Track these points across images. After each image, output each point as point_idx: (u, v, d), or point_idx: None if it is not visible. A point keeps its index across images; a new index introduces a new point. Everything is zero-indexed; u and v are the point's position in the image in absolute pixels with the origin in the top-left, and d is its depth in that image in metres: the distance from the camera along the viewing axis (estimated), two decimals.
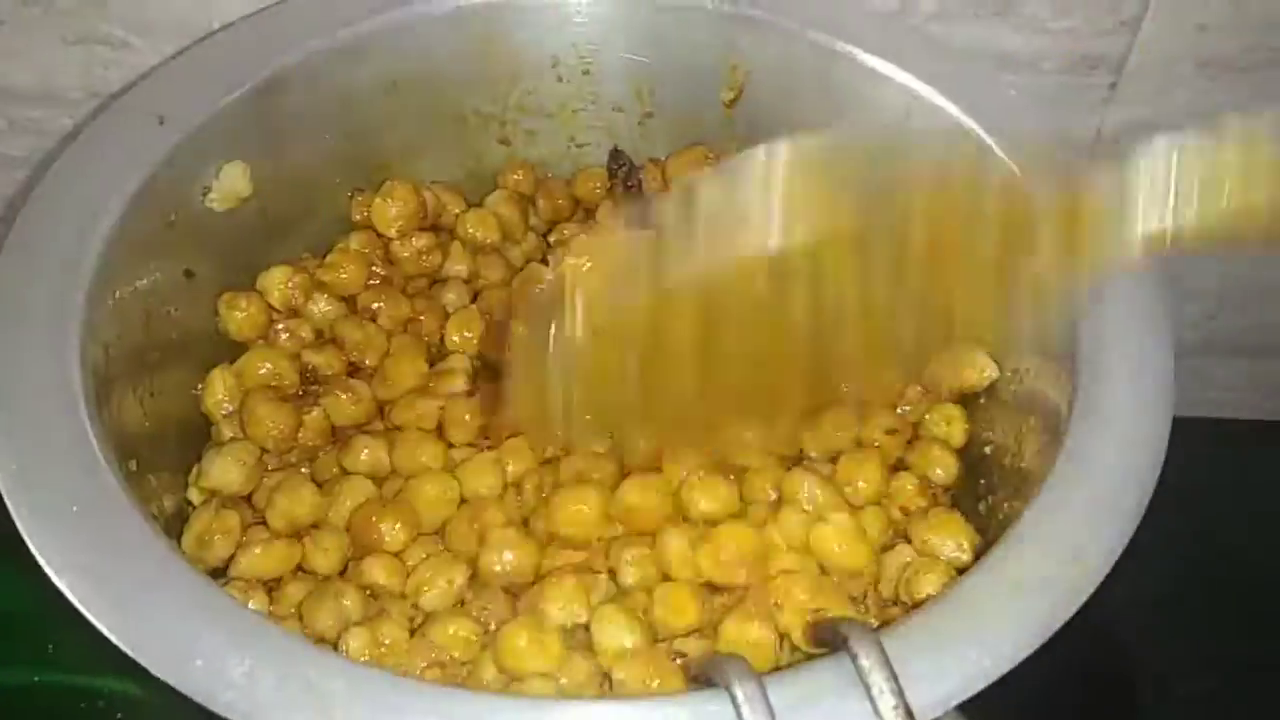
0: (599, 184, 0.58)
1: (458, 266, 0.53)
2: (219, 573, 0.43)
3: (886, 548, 0.45)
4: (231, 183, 0.48)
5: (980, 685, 0.30)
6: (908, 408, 0.49)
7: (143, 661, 0.30)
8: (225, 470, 0.45)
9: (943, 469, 0.47)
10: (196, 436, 0.48)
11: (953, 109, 0.48)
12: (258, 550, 0.43)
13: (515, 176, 0.57)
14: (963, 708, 0.30)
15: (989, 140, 0.47)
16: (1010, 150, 0.46)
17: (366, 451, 0.46)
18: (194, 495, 0.46)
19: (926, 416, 0.49)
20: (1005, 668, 0.30)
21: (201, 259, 0.48)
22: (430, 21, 0.51)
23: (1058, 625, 0.31)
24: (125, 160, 0.43)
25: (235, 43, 0.48)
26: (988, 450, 0.48)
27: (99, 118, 0.44)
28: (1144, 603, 0.63)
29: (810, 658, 0.36)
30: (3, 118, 0.63)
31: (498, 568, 0.42)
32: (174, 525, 0.44)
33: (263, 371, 0.48)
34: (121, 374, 0.41)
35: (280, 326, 0.50)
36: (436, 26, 0.51)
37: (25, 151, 0.64)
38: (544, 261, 0.54)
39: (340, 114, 0.51)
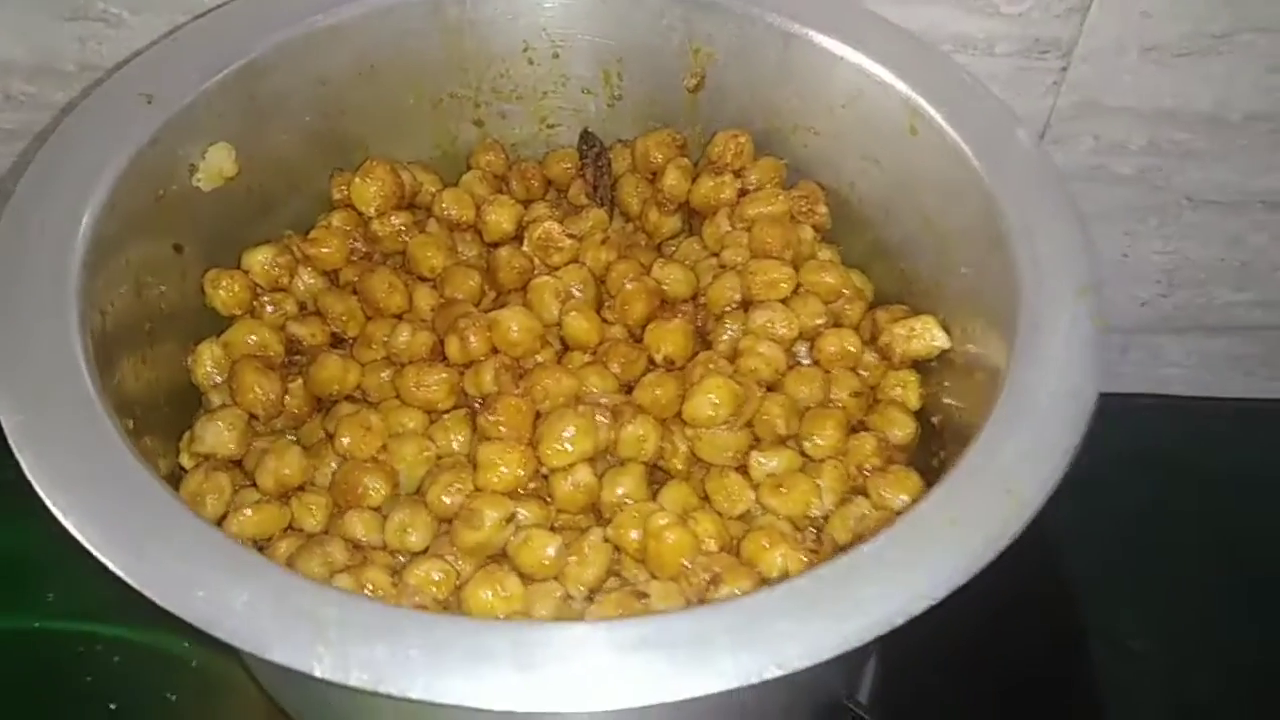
0: (570, 164, 0.60)
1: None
2: None
3: (844, 500, 0.47)
4: (217, 163, 0.50)
5: (922, 607, 0.33)
6: (865, 373, 0.52)
7: (149, 594, 0.32)
8: (217, 434, 0.47)
9: (900, 429, 0.50)
10: (187, 406, 0.50)
11: (903, 86, 0.51)
12: (249, 512, 0.45)
13: (488, 157, 0.60)
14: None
15: (937, 115, 0.50)
16: (956, 123, 0.49)
17: (350, 416, 0.48)
18: (186, 460, 0.48)
19: (883, 380, 0.51)
20: (944, 591, 0.33)
21: (189, 235, 0.50)
22: (406, 7, 0.53)
23: (993, 555, 0.34)
24: (115, 138, 0.45)
25: (220, 27, 0.50)
26: (941, 413, 0.51)
27: (90, 96, 0.46)
28: (1100, 567, 0.66)
29: None
30: None
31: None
32: None
33: (249, 342, 0.50)
34: (118, 340, 0.43)
35: (266, 299, 0.52)
36: (412, 12, 0.54)
37: (17, 125, 0.66)
38: (518, 240, 0.56)
39: (320, 97, 0.54)
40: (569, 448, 0.46)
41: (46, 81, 0.64)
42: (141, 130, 0.46)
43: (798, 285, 0.53)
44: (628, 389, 0.50)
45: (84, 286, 0.41)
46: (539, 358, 0.51)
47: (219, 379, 0.50)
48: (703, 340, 0.53)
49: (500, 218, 0.56)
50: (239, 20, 0.51)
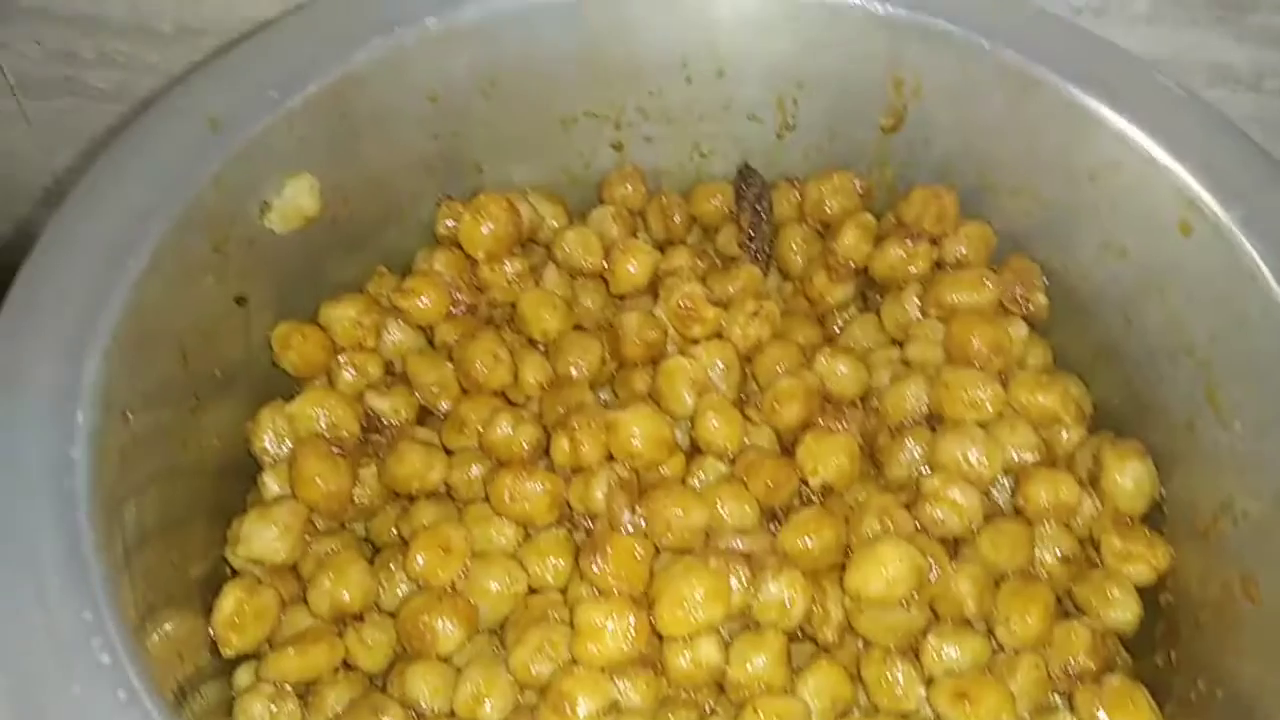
0: (721, 200, 0.50)
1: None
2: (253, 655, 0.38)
3: (1040, 710, 0.37)
4: (296, 199, 0.41)
5: None
6: (1079, 522, 0.41)
7: None
8: (267, 542, 0.39)
9: (1120, 612, 0.39)
10: (242, 474, 0.42)
11: (1179, 169, 0.38)
12: (292, 651, 0.37)
13: (624, 189, 0.49)
14: None
15: (1224, 215, 0.37)
16: (1252, 231, 0.37)
17: (427, 533, 0.39)
18: (232, 555, 0.40)
19: (1105, 540, 0.40)
20: None
21: (256, 283, 0.41)
22: (543, 10, 0.43)
23: None
24: (166, 180, 0.36)
25: (307, 29, 0.40)
26: (1176, 592, 0.39)
27: (139, 120, 0.37)
28: None
29: None
30: (92, 49, 0.60)
31: None
32: (206, 592, 0.38)
33: (319, 419, 0.41)
34: (144, 443, 0.35)
35: (345, 360, 0.43)
36: (549, 16, 0.43)
37: (112, 85, 0.62)
38: (651, 291, 0.46)
39: (429, 113, 0.44)
40: (693, 615, 0.36)
41: (141, 41, 0.60)
42: (201, 166, 0.37)
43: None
44: (771, 515, 0.40)
45: (100, 385, 0.32)
46: (664, 468, 0.41)
47: (277, 455, 0.41)
48: (870, 458, 0.42)
49: (633, 266, 0.46)
50: (330, 22, 0.41)
